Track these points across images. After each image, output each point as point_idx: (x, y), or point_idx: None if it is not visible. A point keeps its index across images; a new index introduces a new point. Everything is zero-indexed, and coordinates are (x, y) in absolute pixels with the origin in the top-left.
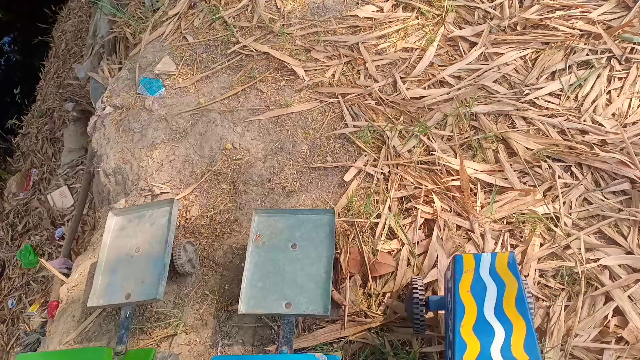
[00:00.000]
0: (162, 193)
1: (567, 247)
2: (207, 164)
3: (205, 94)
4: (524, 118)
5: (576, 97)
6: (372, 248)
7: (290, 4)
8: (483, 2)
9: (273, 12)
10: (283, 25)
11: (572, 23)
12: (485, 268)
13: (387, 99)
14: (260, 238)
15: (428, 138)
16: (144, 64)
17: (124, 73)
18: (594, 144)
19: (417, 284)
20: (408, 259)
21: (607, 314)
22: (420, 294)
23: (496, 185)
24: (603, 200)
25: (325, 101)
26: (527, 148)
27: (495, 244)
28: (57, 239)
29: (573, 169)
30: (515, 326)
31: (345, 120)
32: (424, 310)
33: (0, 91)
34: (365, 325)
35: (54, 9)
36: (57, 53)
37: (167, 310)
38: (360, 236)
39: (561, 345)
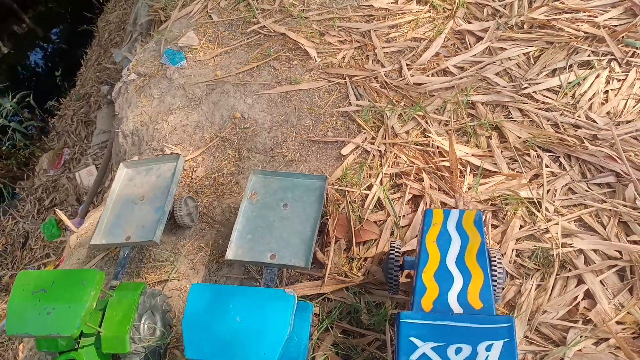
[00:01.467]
0: (172, 154)
1: (546, 231)
2: (216, 131)
3: (222, 67)
4: (520, 110)
5: (573, 94)
6: (360, 217)
7: None
8: (494, 1)
9: (295, 1)
10: (302, 10)
11: (578, 25)
12: (452, 223)
13: (391, 83)
14: (255, 196)
15: (426, 122)
16: (170, 37)
17: (151, 45)
18: (584, 138)
19: (395, 245)
20: (392, 229)
21: (577, 296)
22: (397, 254)
23: (482, 168)
24: (587, 191)
25: (333, 81)
26: (518, 137)
27: None
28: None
29: (561, 159)
30: (473, 276)
31: (349, 100)
32: (399, 269)
33: (45, 75)
34: (344, 284)
35: (101, 1)
36: (100, 42)
37: (163, 258)
38: (349, 205)
39: (528, 320)
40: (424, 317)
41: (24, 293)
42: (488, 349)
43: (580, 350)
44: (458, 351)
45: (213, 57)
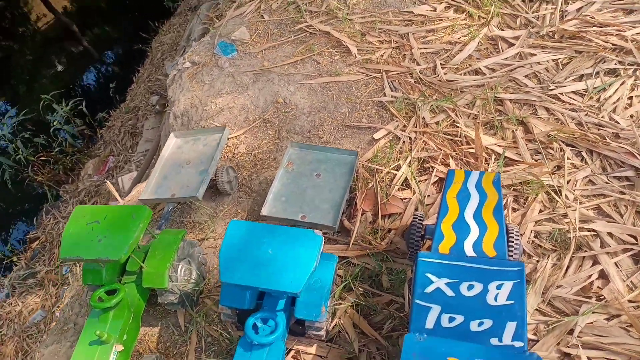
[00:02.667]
0: (218, 126)
1: (565, 216)
2: (259, 113)
3: (269, 59)
4: (546, 109)
5: (598, 99)
6: (387, 193)
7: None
8: (527, 13)
9: (340, 3)
10: (347, 13)
11: (607, 38)
12: (472, 182)
13: (425, 79)
14: (291, 165)
15: (455, 114)
16: (224, 32)
17: (206, 39)
18: (607, 136)
19: (418, 215)
20: (417, 205)
21: (592, 275)
22: (419, 223)
23: (505, 157)
24: (607, 183)
25: (370, 75)
26: (543, 131)
27: None
28: None
29: (583, 154)
30: (489, 228)
31: (384, 91)
32: (421, 238)
33: (98, 90)
34: (367, 250)
35: (156, 24)
36: (153, 61)
37: (202, 219)
38: (378, 182)
39: (542, 293)
40: (440, 258)
41: (78, 223)
42: (498, 287)
43: (592, 322)
44: (470, 288)
45: (262, 51)
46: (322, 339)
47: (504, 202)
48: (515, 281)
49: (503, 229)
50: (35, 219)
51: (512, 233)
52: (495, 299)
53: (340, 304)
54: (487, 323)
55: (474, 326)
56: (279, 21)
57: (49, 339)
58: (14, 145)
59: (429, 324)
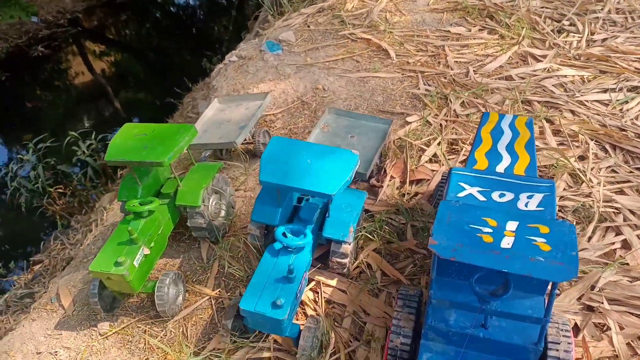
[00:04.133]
0: (261, 93)
1: (589, 195)
2: (298, 96)
3: (312, 57)
4: (572, 111)
5: (621, 109)
6: (416, 163)
7: (398, 17)
8: (555, 39)
9: (382, 20)
10: (388, 27)
11: (630, 63)
12: (506, 122)
13: (458, 81)
14: (326, 127)
15: (485, 109)
16: (272, 36)
17: (255, 40)
18: (629, 136)
19: (445, 174)
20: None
21: (615, 243)
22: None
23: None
24: (630, 172)
25: (406, 74)
26: (569, 127)
27: None
28: None
29: (607, 147)
30: (521, 158)
31: (418, 87)
32: None
33: None
34: (393, 207)
35: (190, 85)
36: (183, 113)
37: (235, 175)
38: (408, 153)
39: None
40: (472, 171)
41: (126, 135)
42: (529, 197)
43: (615, 281)
44: (501, 195)
45: (305, 50)
46: (345, 271)
47: None
48: (546, 194)
49: (534, 159)
50: (42, 243)
51: None
52: (526, 206)
53: (364, 249)
54: (524, 199)
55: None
56: (323, 30)
57: (66, 271)
58: (35, 171)
59: (462, 194)
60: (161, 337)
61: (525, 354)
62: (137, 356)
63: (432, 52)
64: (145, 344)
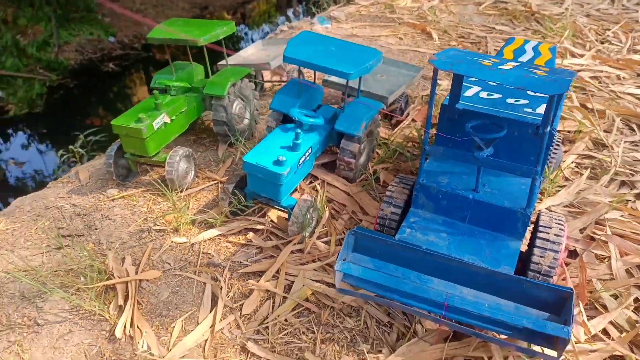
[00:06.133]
0: None
1: (607, 159)
2: None
3: (358, 32)
4: (604, 98)
5: None
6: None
7: (447, 14)
8: (597, 43)
9: (431, 11)
10: (436, 17)
11: None
12: (530, 45)
13: None
14: None
15: None
16: (323, 15)
17: (306, 18)
18: None
19: None
20: None
21: (626, 194)
22: None
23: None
24: None
25: None
26: (598, 109)
27: None
28: None
29: (634, 126)
30: (543, 55)
31: None
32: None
33: None
34: (411, 141)
35: None
36: None
37: (264, 108)
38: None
39: (576, 193)
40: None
41: (170, 23)
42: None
43: (622, 217)
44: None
45: (353, 27)
46: (350, 174)
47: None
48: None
49: (554, 55)
50: None
51: (555, 141)
52: (534, 92)
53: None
54: (523, 101)
55: (510, 100)
56: (373, 16)
57: (89, 162)
58: None
59: (469, 92)
60: (164, 205)
61: (514, 218)
62: (137, 216)
63: (473, 39)
64: (147, 208)
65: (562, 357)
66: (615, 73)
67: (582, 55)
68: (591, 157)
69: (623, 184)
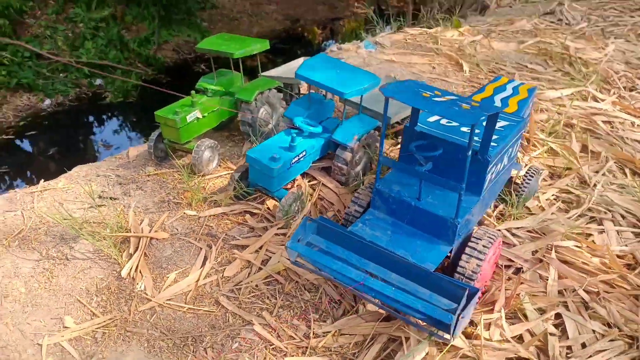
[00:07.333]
0: None
1: (583, 195)
2: None
3: (397, 58)
4: (610, 143)
5: None
6: None
7: (486, 50)
8: (624, 89)
9: (471, 47)
10: (474, 52)
11: None
12: (512, 85)
13: None
14: None
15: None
16: (372, 40)
17: (356, 42)
18: None
19: None
20: None
21: (591, 228)
22: None
23: (550, 147)
24: (634, 187)
25: (471, 84)
26: (598, 150)
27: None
28: None
29: (627, 171)
30: (510, 106)
31: None
32: None
33: None
34: None
35: None
36: None
37: None
38: None
39: (541, 222)
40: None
41: (219, 37)
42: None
43: (575, 247)
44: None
45: (394, 53)
46: (343, 179)
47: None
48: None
49: (521, 110)
50: None
51: (531, 170)
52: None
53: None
54: (477, 130)
55: (464, 129)
56: (416, 44)
57: None
58: None
59: (432, 119)
60: (187, 184)
61: (445, 225)
62: (163, 190)
63: (501, 75)
64: (173, 185)
65: (465, 345)
66: (630, 120)
67: (603, 100)
68: (569, 192)
69: (592, 219)
